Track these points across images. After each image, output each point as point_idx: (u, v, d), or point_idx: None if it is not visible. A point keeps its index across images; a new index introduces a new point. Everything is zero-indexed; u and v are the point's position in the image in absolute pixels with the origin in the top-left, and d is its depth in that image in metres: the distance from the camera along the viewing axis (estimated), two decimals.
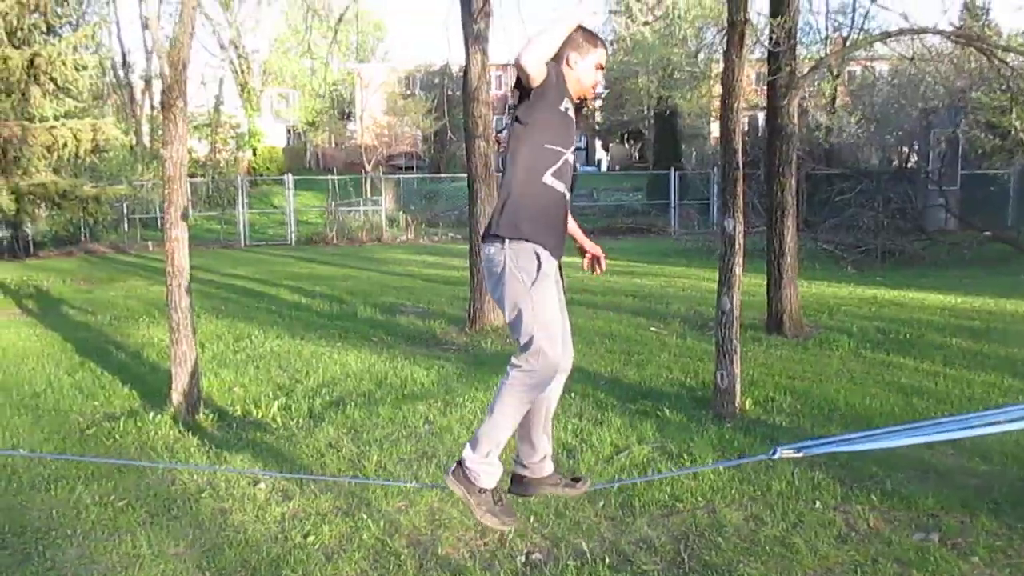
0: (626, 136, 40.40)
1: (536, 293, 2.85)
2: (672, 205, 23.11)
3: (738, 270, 5.65)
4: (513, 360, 2.90)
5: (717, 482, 4.36)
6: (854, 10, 9.73)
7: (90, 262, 18.06)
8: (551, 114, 2.89)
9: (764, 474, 4.45)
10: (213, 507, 4.17)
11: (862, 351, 7.51)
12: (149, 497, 4.29)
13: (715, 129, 34.10)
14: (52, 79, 13.36)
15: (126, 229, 22.28)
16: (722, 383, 5.64)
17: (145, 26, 28.55)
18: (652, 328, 8.78)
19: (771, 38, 7.01)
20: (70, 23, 15.07)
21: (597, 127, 43.18)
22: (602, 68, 3.10)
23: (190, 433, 5.36)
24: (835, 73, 17.55)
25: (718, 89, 28.87)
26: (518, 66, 2.71)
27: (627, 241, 20.95)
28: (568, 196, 3.01)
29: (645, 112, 36.04)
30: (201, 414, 5.65)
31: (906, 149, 23.50)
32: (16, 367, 7.49)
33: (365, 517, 3.96)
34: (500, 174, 3.12)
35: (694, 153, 31.41)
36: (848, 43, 9.66)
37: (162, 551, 3.69)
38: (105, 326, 9.61)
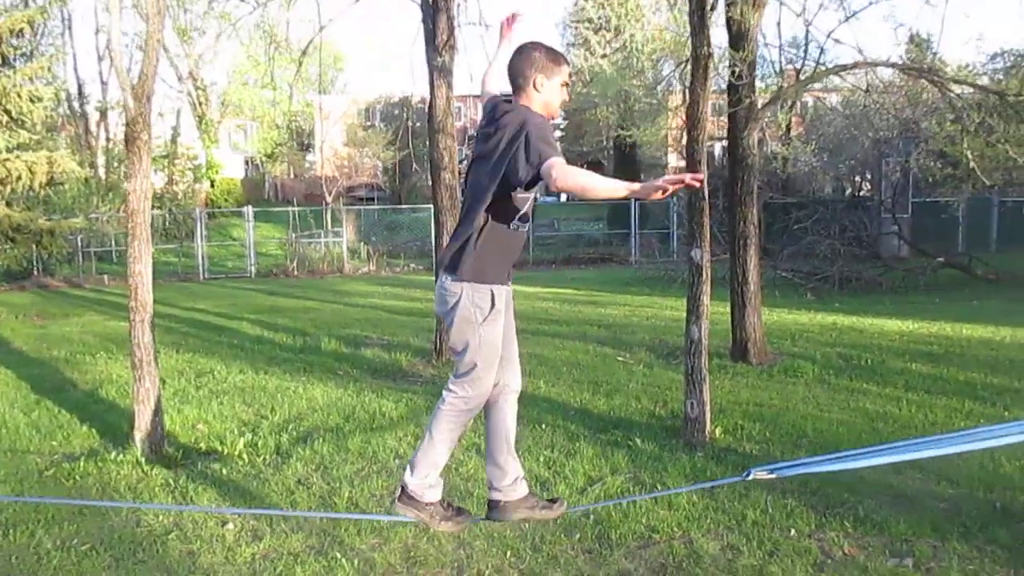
0: (585, 167, 40.82)
1: (485, 329, 2.98)
2: (633, 234, 23.32)
3: (706, 299, 5.71)
4: (449, 385, 3.07)
5: (692, 512, 4.36)
6: (807, 43, 9.95)
7: (43, 296, 17.65)
8: None
9: (738, 503, 4.47)
10: (181, 549, 4.06)
11: (826, 377, 7.61)
12: (113, 540, 4.17)
13: (673, 160, 34.63)
14: (6, 111, 13.13)
15: (80, 262, 21.83)
16: (692, 412, 5.66)
17: (106, 57, 28.27)
18: (619, 357, 8.80)
19: (733, 71, 7.15)
20: (24, 55, 14.83)
21: None
22: (567, 86, 3.13)
23: (153, 472, 5.23)
24: (790, 105, 17.99)
25: (675, 121, 29.24)
26: (553, 186, 2.73)
27: (589, 271, 21.08)
28: (527, 228, 3.11)
29: (604, 143, 36.48)
30: (165, 452, 5.51)
31: (858, 178, 24.09)
32: None
33: (339, 556, 3.89)
34: (463, 204, 3.16)
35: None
36: (805, 75, 9.90)
37: None
38: (60, 362, 9.36)
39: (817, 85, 18.51)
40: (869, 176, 22.65)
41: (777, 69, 12.21)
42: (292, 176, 41.53)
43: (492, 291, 2.99)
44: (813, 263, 15.43)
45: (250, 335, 11.04)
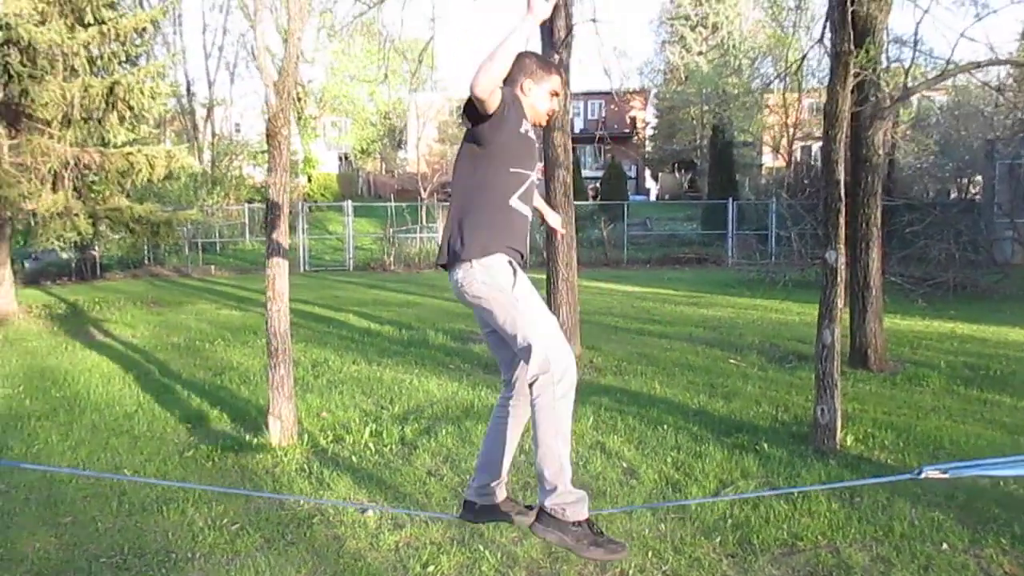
0: (677, 165, 40.28)
1: (520, 293, 2.82)
2: (729, 235, 22.89)
3: (840, 303, 5.54)
4: (529, 385, 2.77)
5: (835, 521, 4.25)
6: (916, 40, 9.53)
7: (156, 285, 18.42)
8: (512, 137, 2.84)
9: (882, 513, 4.34)
10: (326, 533, 4.17)
11: (954, 388, 7.31)
12: (261, 521, 4.31)
13: (768, 160, 33.89)
14: (129, 107, 13.67)
15: (187, 253, 22.72)
16: (822, 418, 5.52)
17: (212, 55, 29.31)
18: (731, 360, 8.65)
19: (871, 66, 6.92)
20: (147, 52, 15.47)
21: (647, 156, 43.15)
22: (557, 95, 3.04)
23: (288, 457, 5.39)
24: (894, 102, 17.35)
25: (772, 119, 28.59)
26: (472, 93, 2.62)
27: (685, 271, 20.80)
28: (531, 217, 2.97)
29: (697, 141, 35.93)
30: (297, 438, 5.68)
31: (965, 180, 23.09)
32: (104, 388, 7.62)
33: (482, 548, 3.93)
34: (450, 197, 3.01)
35: (748, 182, 31.22)
36: (914, 72, 9.51)
37: None
38: (182, 349, 9.75)
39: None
40: (980, 178, 21.72)
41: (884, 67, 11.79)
42: (385, 172, 42.25)
43: (508, 260, 2.82)
44: (925, 268, 14.85)
45: (357, 327, 11.28)
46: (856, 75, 7.33)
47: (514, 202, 2.87)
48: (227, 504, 4.54)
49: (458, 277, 2.85)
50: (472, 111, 2.74)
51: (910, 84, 8.40)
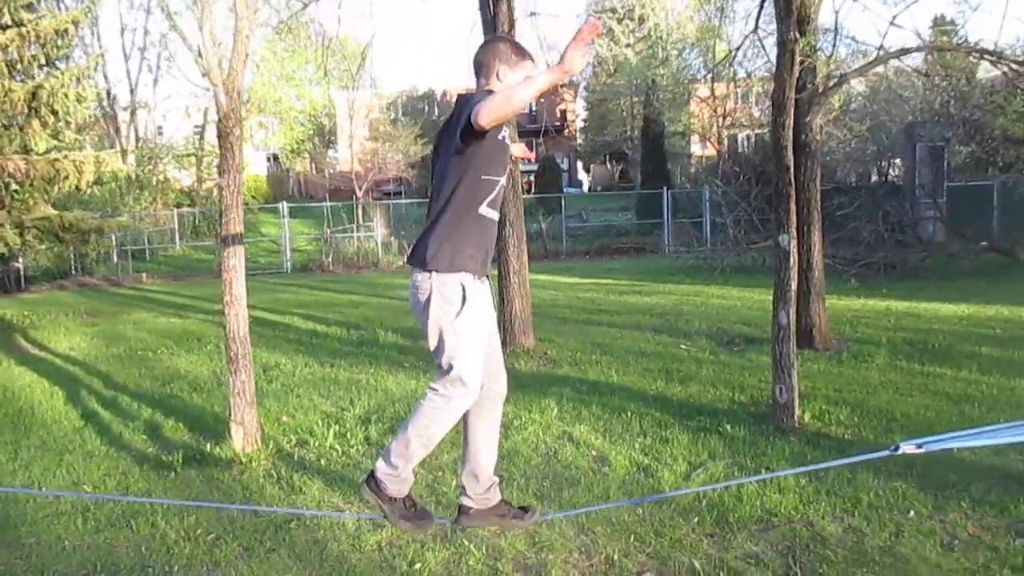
0: (608, 157, 40.69)
1: (460, 324, 2.85)
2: (665, 223, 23.24)
3: (794, 284, 5.70)
4: (432, 384, 2.90)
5: (804, 495, 4.38)
6: (836, 30, 9.85)
7: (86, 295, 17.81)
8: (490, 144, 2.85)
9: (848, 486, 4.49)
10: (306, 537, 4.11)
11: (897, 363, 7.59)
12: (236, 530, 4.23)
13: (697, 149, 34.50)
14: (53, 112, 13.19)
15: (116, 261, 22.03)
16: (781, 397, 5.67)
17: (132, 56, 28.45)
18: (682, 346, 8.81)
19: (813, 53, 7.11)
20: (67, 55, 14.92)
21: (579, 149, 43.49)
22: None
23: (254, 464, 5.29)
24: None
25: (700, 109, 28.96)
26: (475, 124, 2.65)
27: (623, 261, 21.07)
28: (497, 218, 3.01)
29: (628, 133, 36.34)
30: (261, 444, 5.58)
31: (885, 163, 23.92)
32: (48, 403, 7.35)
33: (466, 543, 3.93)
34: (430, 196, 3.05)
35: (679, 171, 31.72)
36: (836, 59, 9.83)
37: None
38: (124, 359, 9.47)
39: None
40: (898, 161, 22.53)
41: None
42: (316, 172, 41.60)
43: (462, 282, 2.86)
44: (855, 249, 15.33)
45: (303, 329, 11.12)
46: (801, 63, 7.57)
47: (483, 209, 2.91)
48: (198, 515, 4.43)
49: (417, 280, 2.91)
50: (466, 132, 2.76)
51: (834, 71, 8.69)
